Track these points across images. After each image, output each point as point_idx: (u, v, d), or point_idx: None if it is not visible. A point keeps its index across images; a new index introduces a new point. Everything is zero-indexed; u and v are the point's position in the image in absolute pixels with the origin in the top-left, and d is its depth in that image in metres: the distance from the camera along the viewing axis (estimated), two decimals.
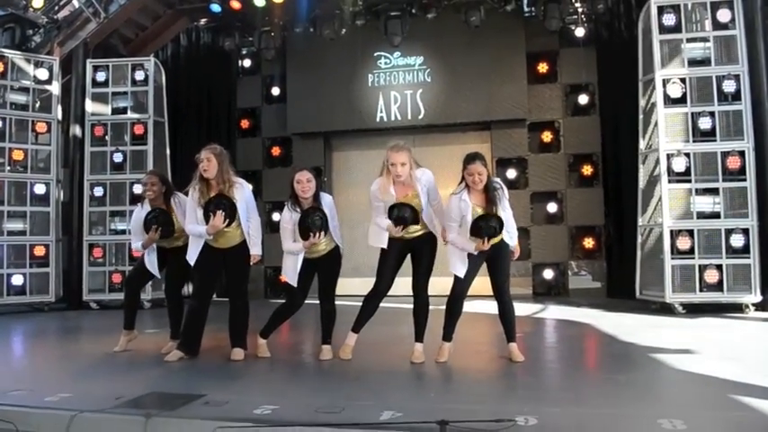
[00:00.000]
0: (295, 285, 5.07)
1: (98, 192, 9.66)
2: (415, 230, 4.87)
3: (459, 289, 4.83)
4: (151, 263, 5.60)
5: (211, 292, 5.32)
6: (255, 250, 5.19)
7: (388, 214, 4.75)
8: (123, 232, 9.53)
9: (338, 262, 5.25)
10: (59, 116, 9.76)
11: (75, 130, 9.91)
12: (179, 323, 5.53)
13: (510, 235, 4.82)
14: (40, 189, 9.37)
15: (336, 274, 5.24)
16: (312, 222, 4.92)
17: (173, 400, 3.73)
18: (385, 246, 4.87)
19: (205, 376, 4.59)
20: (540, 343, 6.06)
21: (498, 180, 4.84)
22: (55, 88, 9.68)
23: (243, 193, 5.12)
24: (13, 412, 3.55)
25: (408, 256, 5.01)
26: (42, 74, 9.59)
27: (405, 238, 4.85)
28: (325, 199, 5.12)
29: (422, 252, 4.93)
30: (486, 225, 4.59)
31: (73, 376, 4.71)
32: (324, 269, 5.17)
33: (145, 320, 8.24)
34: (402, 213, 4.72)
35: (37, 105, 9.58)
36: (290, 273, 5.07)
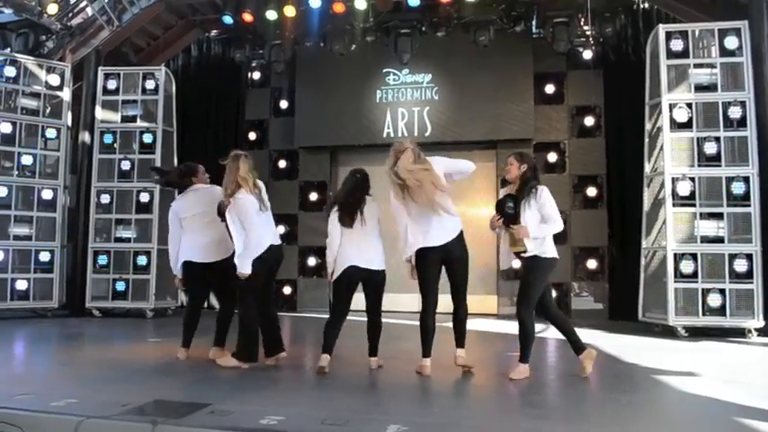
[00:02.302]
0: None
1: (105, 199, 9.71)
2: (452, 238, 4.96)
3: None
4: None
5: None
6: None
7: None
8: (128, 240, 9.61)
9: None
10: (69, 122, 9.83)
11: (85, 136, 9.98)
12: (226, 331, 5.65)
13: (536, 233, 4.81)
14: (47, 194, 9.40)
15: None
16: None
17: (179, 409, 3.75)
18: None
19: (209, 386, 4.60)
20: (544, 362, 6.05)
21: (541, 186, 4.93)
22: (66, 94, 9.76)
23: None
24: (20, 416, 3.56)
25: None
26: (54, 80, 9.67)
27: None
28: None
29: (457, 263, 5.00)
30: (503, 204, 4.88)
31: (78, 382, 4.71)
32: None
33: (147, 329, 8.30)
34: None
35: (47, 111, 9.64)
36: None
